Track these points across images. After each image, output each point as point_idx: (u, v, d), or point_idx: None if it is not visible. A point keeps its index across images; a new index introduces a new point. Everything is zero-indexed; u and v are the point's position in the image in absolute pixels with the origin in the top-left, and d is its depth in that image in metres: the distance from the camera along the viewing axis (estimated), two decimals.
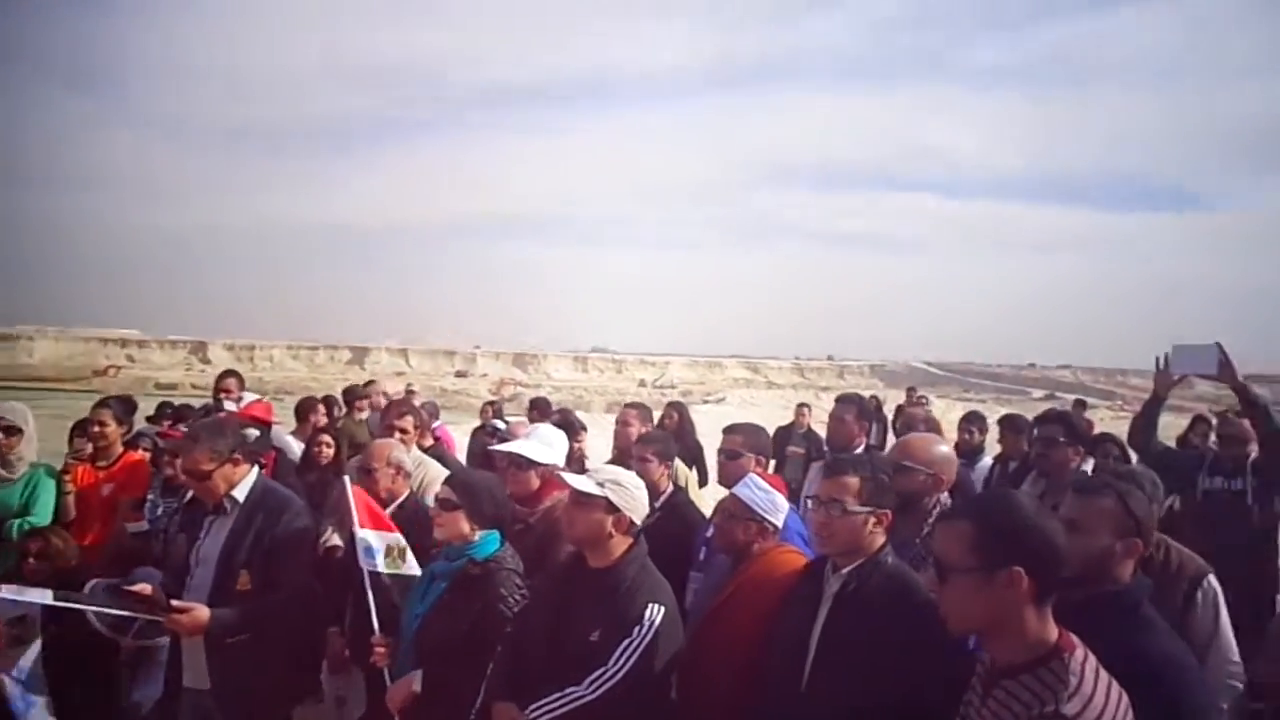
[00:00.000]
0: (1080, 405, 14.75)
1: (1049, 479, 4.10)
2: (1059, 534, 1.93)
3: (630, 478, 3.09)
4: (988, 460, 6.48)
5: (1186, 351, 4.56)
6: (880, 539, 2.67)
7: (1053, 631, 1.89)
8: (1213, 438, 6.16)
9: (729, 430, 4.04)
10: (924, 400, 12.70)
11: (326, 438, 5.77)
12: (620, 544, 2.99)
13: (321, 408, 7.32)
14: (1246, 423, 4.71)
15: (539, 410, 7.85)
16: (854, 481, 2.67)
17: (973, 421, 6.80)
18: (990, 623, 1.90)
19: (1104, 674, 1.84)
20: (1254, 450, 4.73)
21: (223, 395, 6.02)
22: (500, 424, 7.16)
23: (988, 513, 1.96)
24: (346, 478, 3.87)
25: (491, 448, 4.52)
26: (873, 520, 2.64)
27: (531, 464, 3.92)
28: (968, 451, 6.48)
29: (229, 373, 6.38)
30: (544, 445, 4.06)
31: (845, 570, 2.63)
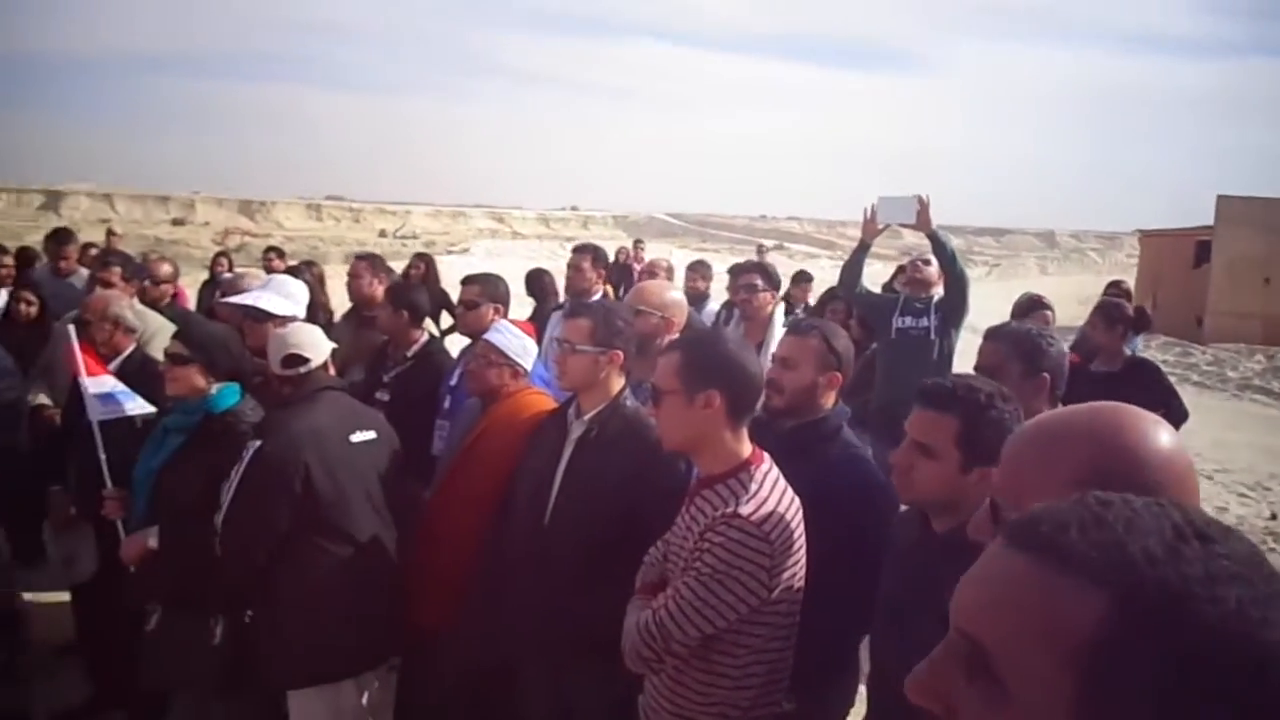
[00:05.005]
0: (761, 250, 17.05)
1: (749, 321, 4.50)
2: (752, 364, 2.22)
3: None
4: (714, 305, 7.00)
5: (890, 202, 5.09)
6: (617, 380, 2.84)
7: (746, 448, 2.20)
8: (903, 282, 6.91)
9: (466, 281, 4.14)
10: (641, 246, 13.40)
11: (29, 294, 5.22)
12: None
13: (8, 259, 6.56)
14: (931, 269, 5.36)
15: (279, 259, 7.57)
16: (585, 323, 2.84)
17: (697, 269, 7.29)
18: (693, 439, 2.20)
19: (782, 484, 2.16)
20: (938, 293, 5.39)
21: None
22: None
23: (692, 344, 2.27)
24: (71, 328, 3.62)
25: (223, 300, 4.31)
26: (603, 359, 2.80)
27: (268, 316, 3.80)
28: (694, 297, 6.99)
29: None
30: (280, 297, 3.93)
31: (588, 416, 2.80)
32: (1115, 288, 7.43)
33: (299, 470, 2.89)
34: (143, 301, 4.85)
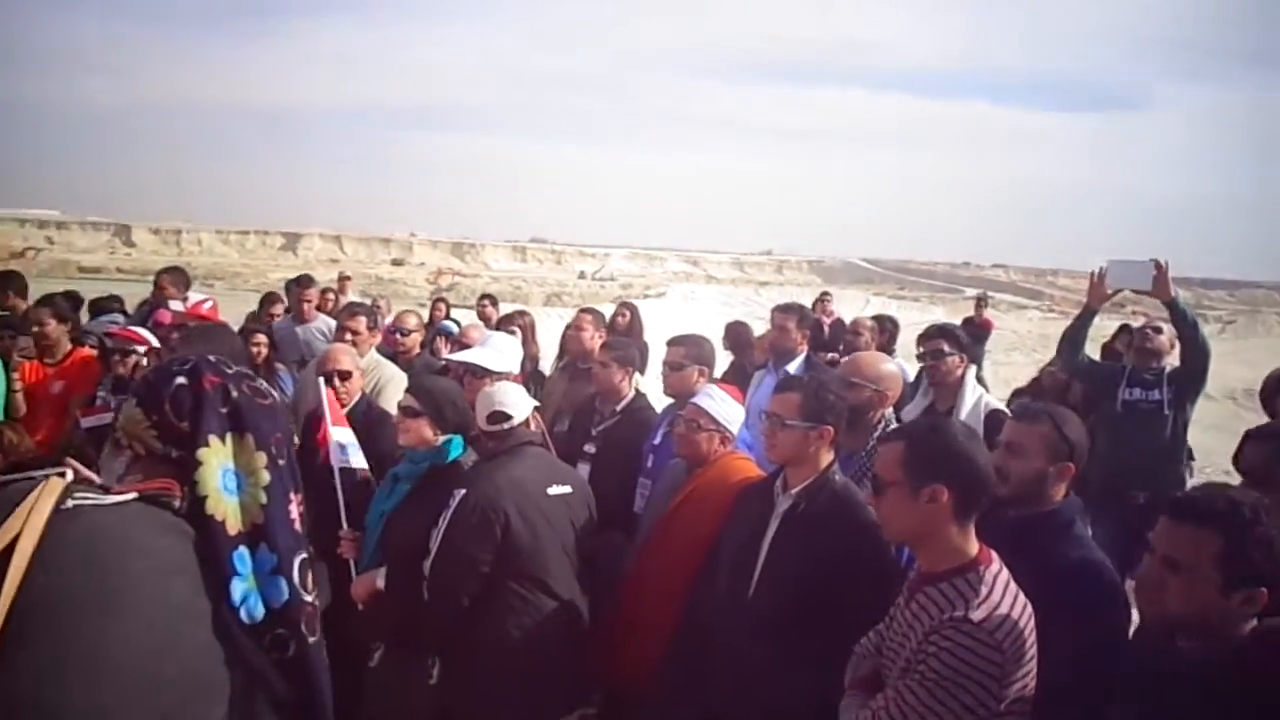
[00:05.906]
0: (980, 304, 15.68)
1: (938, 388, 4.26)
2: (982, 457, 2.11)
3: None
4: (902, 362, 6.69)
5: (1122, 265, 4.70)
6: (827, 454, 2.80)
7: (973, 545, 2.09)
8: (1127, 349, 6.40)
9: (673, 342, 4.13)
10: (828, 298, 12.78)
11: (262, 336, 5.68)
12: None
13: (279, 309, 7.22)
14: (1163, 337, 4.97)
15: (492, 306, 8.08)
16: (795, 398, 2.82)
17: (880, 321, 7.16)
18: (917, 534, 2.12)
19: (1013, 587, 2.04)
20: (1170, 362, 4.99)
21: (161, 295, 5.85)
22: (453, 326, 7.11)
23: (919, 435, 2.16)
24: (321, 380, 3.96)
25: (448, 356, 4.58)
26: (814, 434, 2.76)
27: (487, 373, 4.00)
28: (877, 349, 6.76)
29: (170, 270, 6.24)
30: (498, 353, 4.14)
31: (795, 490, 2.76)
32: None
33: (500, 517, 3.07)
34: (391, 351, 5.21)
